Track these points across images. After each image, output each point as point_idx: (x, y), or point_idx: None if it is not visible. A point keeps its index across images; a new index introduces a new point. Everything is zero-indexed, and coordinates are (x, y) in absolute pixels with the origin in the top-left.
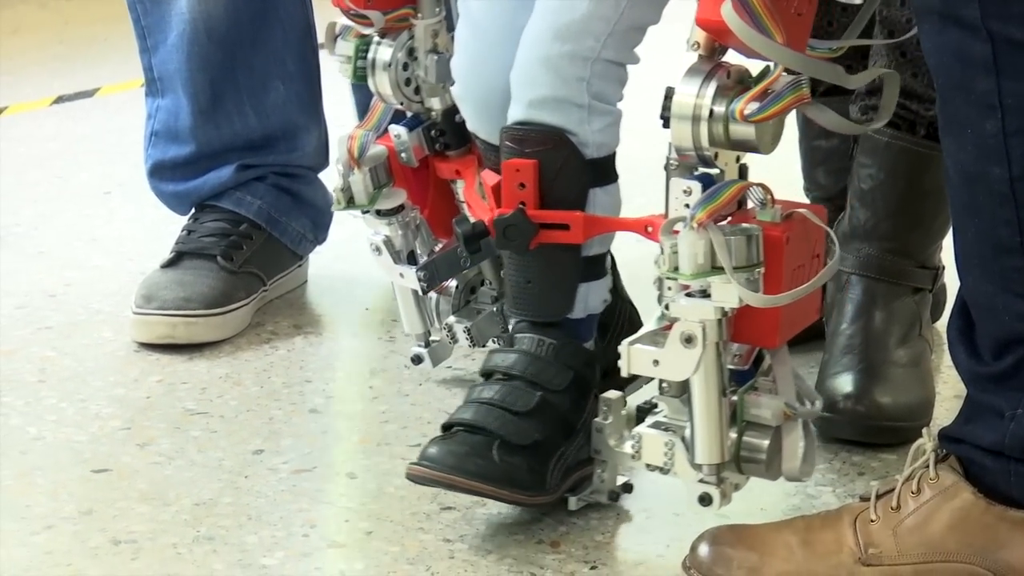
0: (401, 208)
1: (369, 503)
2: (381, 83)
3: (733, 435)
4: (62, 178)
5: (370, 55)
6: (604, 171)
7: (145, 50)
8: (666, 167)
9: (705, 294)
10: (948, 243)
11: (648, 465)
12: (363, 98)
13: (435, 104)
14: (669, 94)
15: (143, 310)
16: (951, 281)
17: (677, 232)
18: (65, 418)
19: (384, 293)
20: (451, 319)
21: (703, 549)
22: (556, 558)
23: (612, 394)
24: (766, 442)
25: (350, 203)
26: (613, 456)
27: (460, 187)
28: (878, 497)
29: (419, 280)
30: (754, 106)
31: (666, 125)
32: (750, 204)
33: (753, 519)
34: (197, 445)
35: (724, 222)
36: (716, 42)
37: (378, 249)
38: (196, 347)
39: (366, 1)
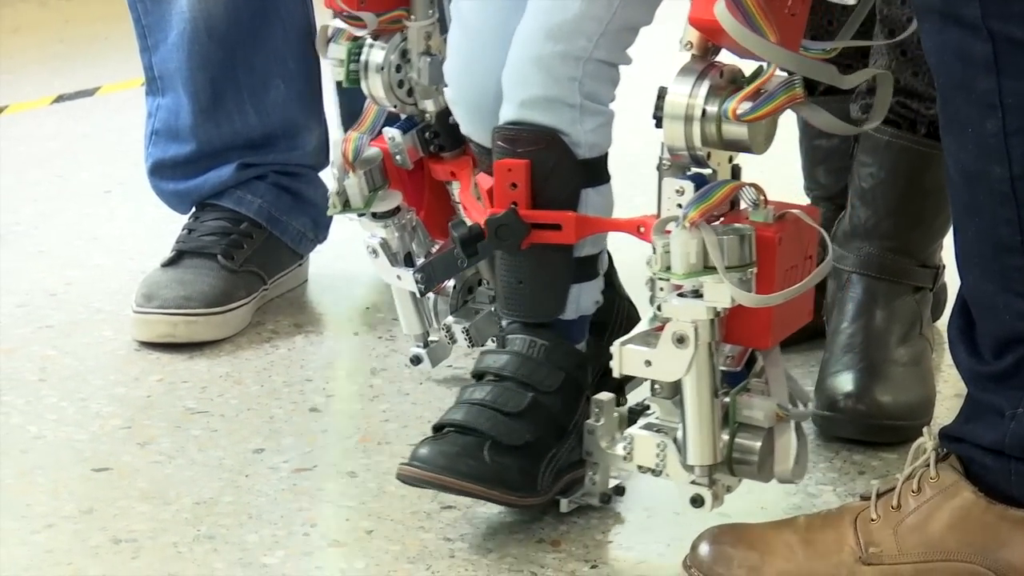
0: (397, 210)
1: (370, 502)
2: (374, 85)
3: (725, 437)
4: (62, 177)
5: (363, 57)
6: (596, 171)
7: (145, 49)
8: (659, 167)
9: (697, 294)
10: (949, 242)
11: (640, 467)
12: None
13: (429, 106)
14: (662, 94)
15: (144, 309)
16: (952, 280)
17: (669, 232)
18: (66, 417)
19: (385, 292)
20: (449, 319)
21: (704, 548)
22: (557, 557)
23: (604, 396)
24: (758, 444)
25: (346, 207)
26: (605, 458)
27: (456, 188)
28: (878, 496)
29: (416, 282)
30: (747, 106)
31: (659, 125)
32: (743, 205)
33: (754, 518)
34: (198, 444)
35: (717, 222)
36: (709, 42)
37: (375, 252)
38: (196, 346)
39: (359, 3)
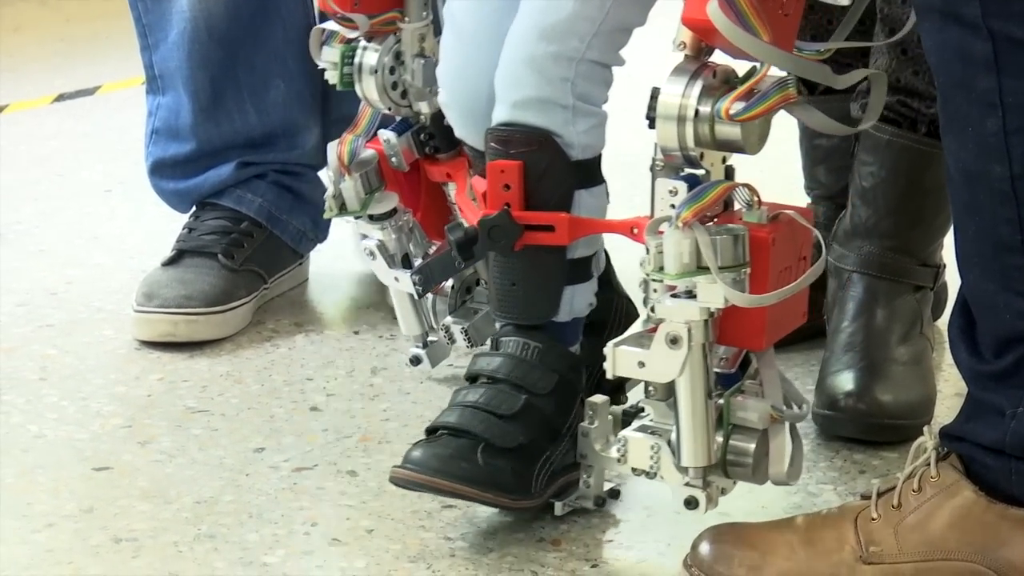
0: (394, 212)
1: (370, 501)
2: (368, 88)
3: (719, 438)
4: (63, 176)
5: (356, 59)
6: (590, 173)
7: (146, 48)
8: (652, 167)
9: (691, 295)
10: (949, 241)
11: (634, 469)
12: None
13: (423, 108)
14: (655, 94)
15: (144, 308)
16: (952, 279)
17: (662, 232)
18: (66, 416)
19: (385, 291)
20: (448, 320)
21: (704, 547)
22: (557, 556)
23: (597, 398)
24: (752, 445)
25: (342, 209)
26: (599, 461)
27: (452, 189)
28: (879, 495)
29: (414, 284)
30: (740, 105)
31: (652, 126)
32: (737, 205)
33: (754, 517)
34: (198, 443)
35: (710, 223)
36: (702, 42)
37: (372, 254)
38: (197, 345)
39: (352, 4)
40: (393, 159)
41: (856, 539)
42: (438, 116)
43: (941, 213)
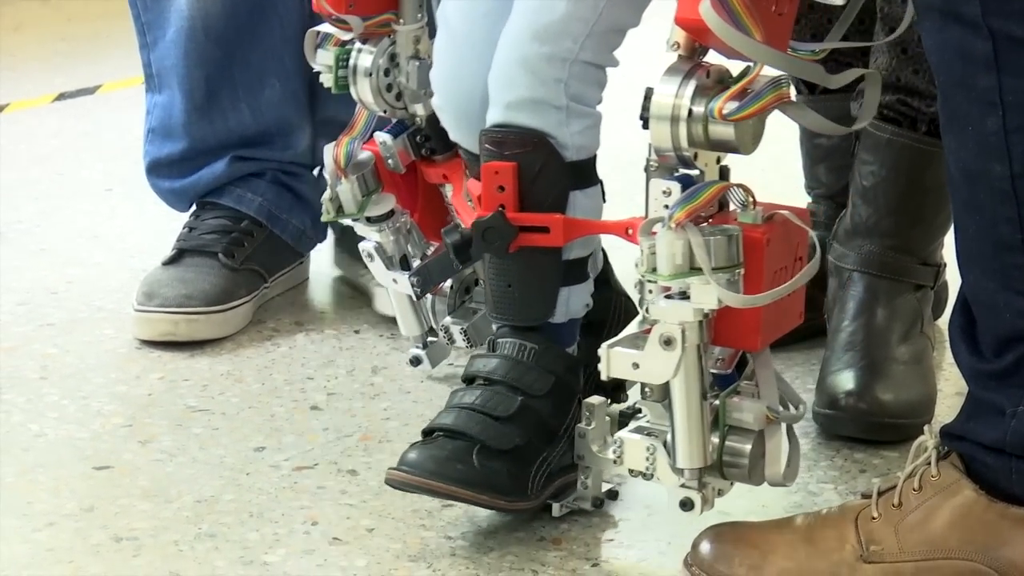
0: (391, 213)
1: (371, 500)
2: (363, 90)
3: (715, 440)
4: (64, 175)
5: (351, 61)
6: (584, 174)
7: (144, 46)
8: (646, 168)
9: (685, 296)
10: (950, 240)
11: (631, 471)
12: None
13: (419, 110)
14: (648, 95)
15: (144, 308)
16: (953, 278)
17: (656, 233)
18: (67, 415)
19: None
20: (447, 320)
21: (705, 546)
22: (558, 555)
23: (594, 399)
24: (748, 446)
25: (339, 212)
26: (597, 462)
27: (449, 191)
28: (879, 494)
29: (413, 285)
30: (733, 105)
31: (646, 126)
32: (732, 206)
33: (755, 516)
34: (199, 442)
35: (705, 223)
36: (696, 42)
37: (370, 256)
38: (197, 344)
39: (347, 6)
40: (389, 161)
41: (857, 538)
42: (434, 118)
43: (941, 212)
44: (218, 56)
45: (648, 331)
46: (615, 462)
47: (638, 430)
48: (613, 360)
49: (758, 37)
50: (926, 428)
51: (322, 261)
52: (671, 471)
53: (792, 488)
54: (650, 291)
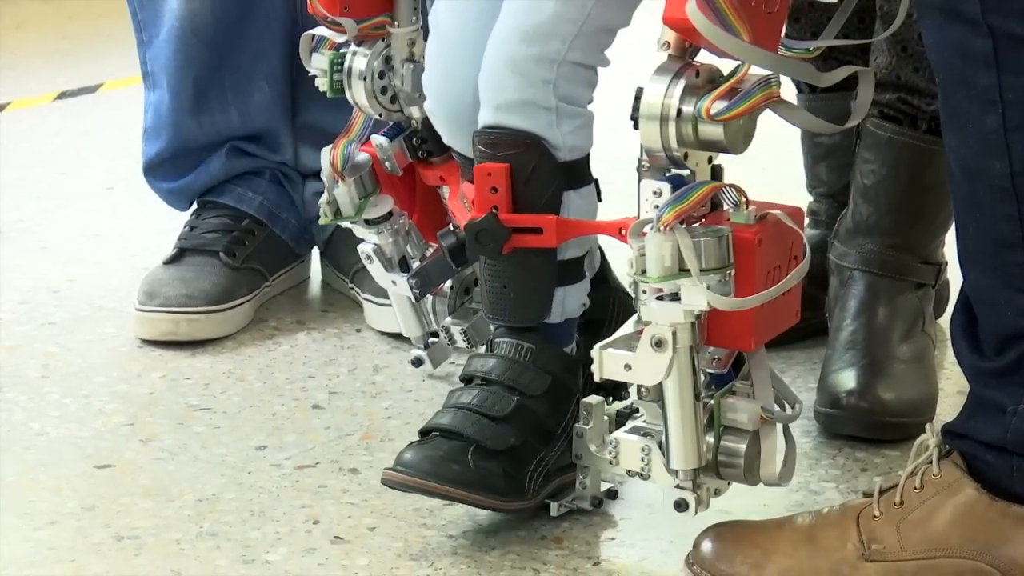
0: (389, 215)
1: (372, 499)
2: (357, 93)
3: (710, 440)
4: (65, 174)
5: (346, 64)
6: (578, 174)
7: (141, 43)
8: (638, 168)
9: (676, 297)
10: (951, 238)
11: (628, 471)
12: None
13: (414, 113)
14: (638, 94)
15: (146, 307)
16: (954, 276)
17: (646, 234)
18: (68, 414)
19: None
20: (447, 321)
21: (706, 545)
22: (559, 554)
23: (592, 399)
24: (743, 446)
25: (337, 215)
26: (595, 461)
27: (446, 193)
28: (881, 493)
29: (411, 287)
30: (721, 105)
31: (637, 126)
32: (726, 206)
33: (756, 515)
34: (200, 441)
35: (697, 224)
36: (687, 41)
37: (369, 258)
38: (199, 343)
39: (342, 9)
40: (386, 164)
41: (858, 537)
42: (430, 120)
43: (942, 210)
44: (206, 58)
45: (642, 332)
46: (611, 462)
47: (634, 430)
48: (605, 361)
49: (746, 37)
50: (927, 427)
51: None
52: (666, 472)
53: (793, 487)
54: (644, 291)
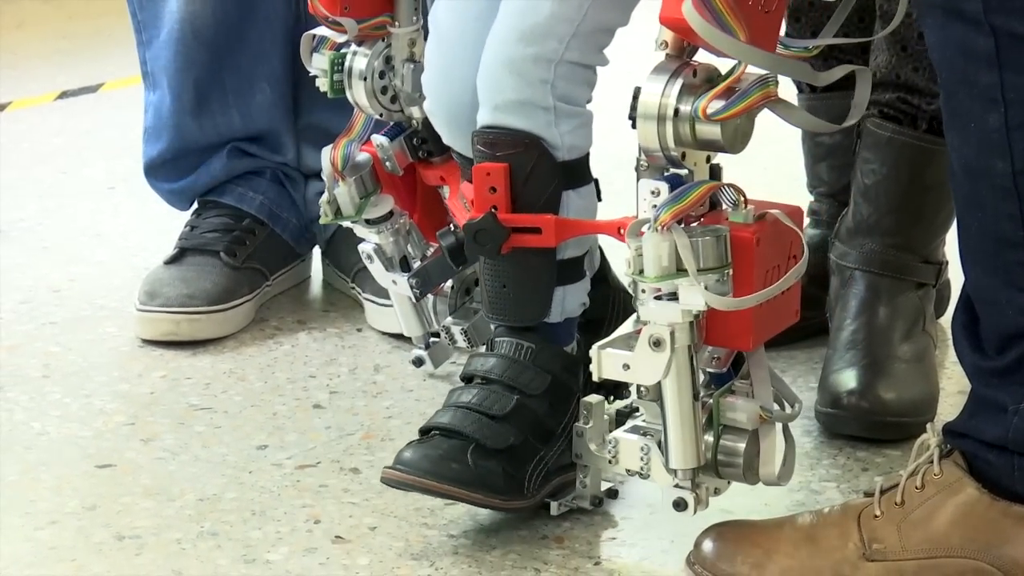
0: (390, 215)
1: (373, 498)
2: (357, 93)
3: (710, 439)
4: (66, 173)
5: (346, 64)
6: (577, 173)
7: (141, 43)
8: (636, 168)
9: (675, 297)
10: (952, 238)
11: (627, 470)
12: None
13: (415, 113)
14: (636, 94)
15: (147, 307)
16: (955, 276)
17: (644, 234)
18: (69, 413)
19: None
20: (448, 320)
21: (707, 545)
22: (560, 553)
23: (593, 398)
24: (742, 446)
25: (337, 214)
26: (595, 461)
27: (446, 193)
28: (882, 492)
29: (412, 287)
30: (718, 104)
31: (635, 126)
32: (724, 205)
33: (757, 515)
34: (201, 440)
35: (696, 223)
36: (684, 41)
37: (370, 257)
38: (200, 342)
39: (342, 8)
40: (387, 163)
41: (859, 536)
42: (430, 120)
43: (943, 210)
44: (207, 60)
45: (640, 332)
46: (610, 462)
47: (633, 429)
48: (604, 361)
49: (742, 36)
50: (928, 426)
51: None
52: (665, 471)
53: (795, 487)
54: (643, 291)
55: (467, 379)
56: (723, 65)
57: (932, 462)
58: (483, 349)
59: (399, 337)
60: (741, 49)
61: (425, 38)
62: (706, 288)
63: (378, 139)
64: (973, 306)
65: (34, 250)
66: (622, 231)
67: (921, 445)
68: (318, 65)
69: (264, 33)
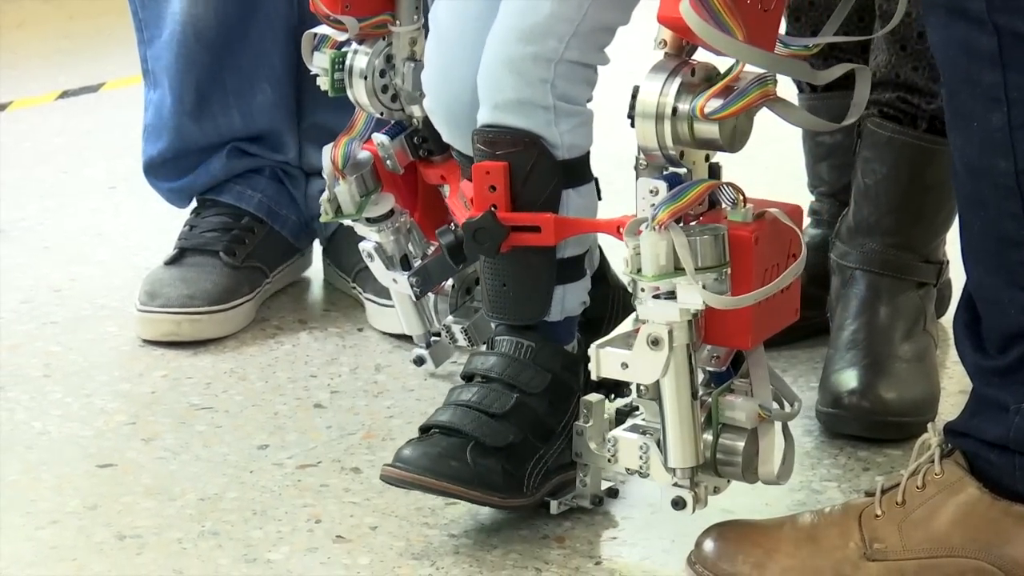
0: (391, 213)
1: (374, 498)
2: (358, 92)
3: (709, 438)
4: (67, 173)
5: (347, 63)
6: (577, 172)
7: (142, 42)
8: (635, 167)
9: (673, 296)
10: (954, 237)
11: (627, 469)
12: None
13: (415, 111)
14: (635, 92)
15: (147, 308)
16: (956, 275)
17: (641, 233)
18: (70, 413)
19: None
20: (449, 319)
21: (708, 544)
22: (561, 553)
23: (592, 397)
24: (741, 445)
25: (338, 213)
26: (595, 460)
27: (447, 191)
28: (883, 492)
29: (412, 286)
30: (716, 103)
31: (634, 124)
32: (724, 204)
33: (758, 514)
34: (202, 440)
35: (694, 222)
36: (683, 40)
37: (370, 256)
38: (201, 342)
39: (343, 7)
40: (388, 162)
41: (860, 536)
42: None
43: (943, 209)
44: (208, 61)
45: (639, 330)
46: (610, 460)
47: (633, 428)
48: (602, 360)
49: (739, 35)
50: (929, 426)
51: None
52: (664, 470)
53: (795, 486)
54: (642, 289)
55: (467, 377)
56: (722, 64)
57: (933, 462)
58: (484, 348)
59: (400, 337)
60: (738, 48)
61: (426, 37)
62: (704, 287)
63: (379, 138)
64: (975, 305)
65: (35, 250)
66: (621, 230)
67: (922, 445)
68: (319, 64)
69: (265, 33)
